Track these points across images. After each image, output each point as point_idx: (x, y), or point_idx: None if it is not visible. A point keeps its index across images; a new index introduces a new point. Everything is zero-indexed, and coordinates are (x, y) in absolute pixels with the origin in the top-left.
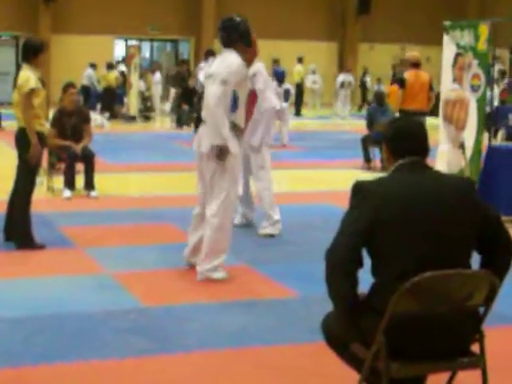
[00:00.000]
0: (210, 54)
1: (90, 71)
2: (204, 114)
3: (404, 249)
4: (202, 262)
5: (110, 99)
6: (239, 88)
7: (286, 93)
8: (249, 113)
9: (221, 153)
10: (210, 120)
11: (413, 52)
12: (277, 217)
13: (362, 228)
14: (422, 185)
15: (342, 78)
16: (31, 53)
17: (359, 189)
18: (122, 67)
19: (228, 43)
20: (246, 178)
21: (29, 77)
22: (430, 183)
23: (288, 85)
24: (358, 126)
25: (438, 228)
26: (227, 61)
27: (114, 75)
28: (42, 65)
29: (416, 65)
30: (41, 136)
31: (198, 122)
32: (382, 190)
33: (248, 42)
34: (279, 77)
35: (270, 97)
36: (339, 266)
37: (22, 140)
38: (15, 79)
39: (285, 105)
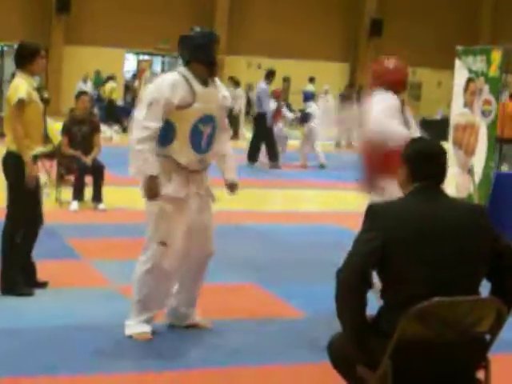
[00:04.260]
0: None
1: (80, 84)
2: None
3: (414, 273)
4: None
5: (110, 111)
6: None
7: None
8: None
9: None
10: None
11: None
12: None
13: (373, 250)
14: (435, 210)
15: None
16: (26, 58)
17: (372, 211)
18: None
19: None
20: None
21: (19, 85)
22: (442, 208)
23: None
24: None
25: (448, 253)
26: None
27: (110, 86)
28: (39, 71)
29: None
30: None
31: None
32: (394, 213)
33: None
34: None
35: None
36: (349, 287)
37: (11, 165)
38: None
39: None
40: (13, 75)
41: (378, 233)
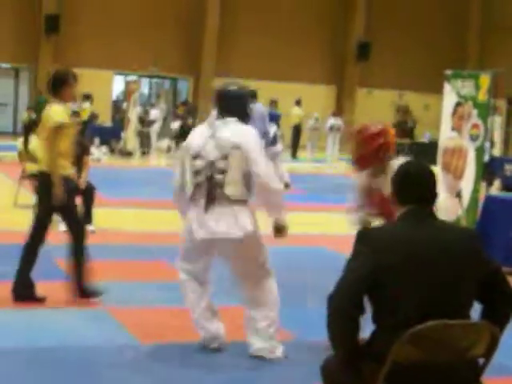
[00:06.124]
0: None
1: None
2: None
3: (406, 297)
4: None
5: (82, 133)
6: None
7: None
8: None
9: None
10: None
11: None
12: None
13: (365, 274)
14: (427, 234)
15: (331, 121)
16: (56, 86)
17: (363, 235)
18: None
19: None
20: None
21: (57, 110)
22: (434, 233)
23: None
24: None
25: (440, 278)
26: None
27: (85, 107)
28: (67, 99)
29: None
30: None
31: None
32: (385, 238)
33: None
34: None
35: None
36: (341, 312)
37: (44, 186)
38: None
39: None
40: (45, 101)
41: (368, 258)
